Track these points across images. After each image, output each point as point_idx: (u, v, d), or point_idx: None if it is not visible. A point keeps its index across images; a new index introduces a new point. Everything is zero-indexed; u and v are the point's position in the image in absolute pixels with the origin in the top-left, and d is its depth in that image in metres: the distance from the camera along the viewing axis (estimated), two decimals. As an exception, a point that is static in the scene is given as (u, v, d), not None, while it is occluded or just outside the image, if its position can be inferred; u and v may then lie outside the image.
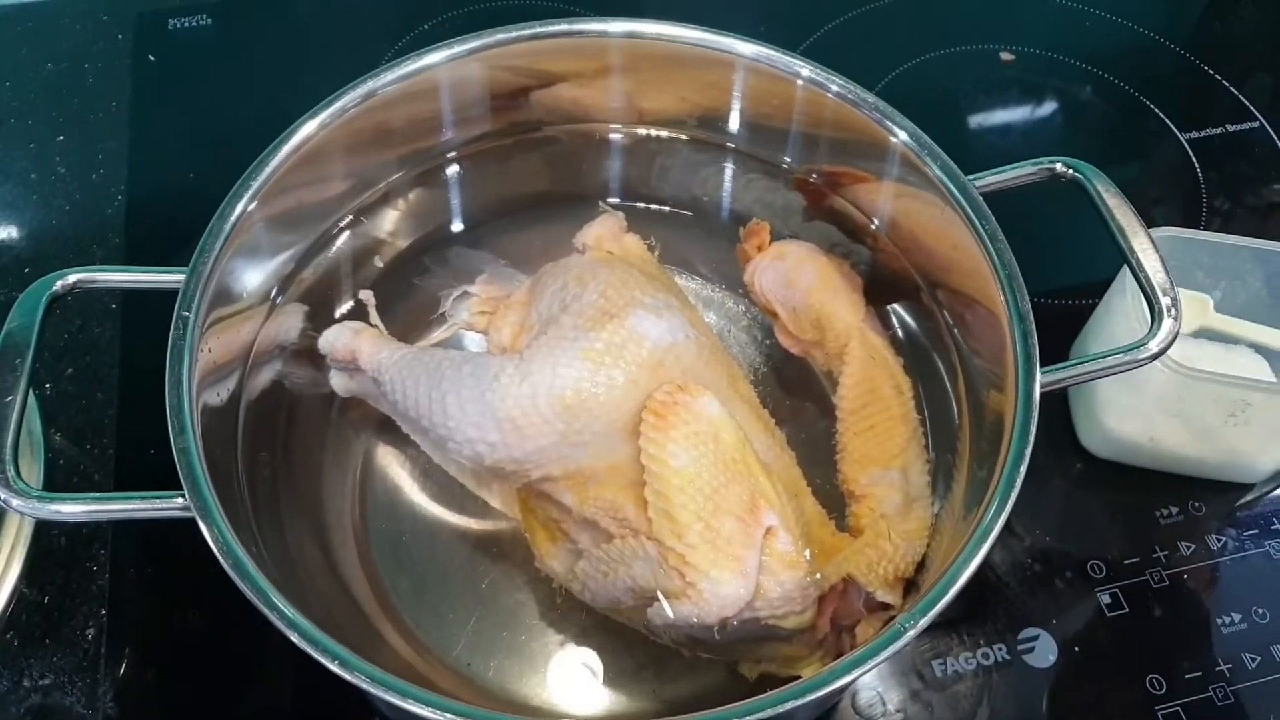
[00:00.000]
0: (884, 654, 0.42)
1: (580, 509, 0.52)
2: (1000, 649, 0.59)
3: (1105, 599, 0.60)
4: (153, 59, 0.85)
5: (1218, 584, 0.62)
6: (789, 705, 0.40)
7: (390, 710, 0.52)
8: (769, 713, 0.40)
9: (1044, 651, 0.59)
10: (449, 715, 0.40)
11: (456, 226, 0.68)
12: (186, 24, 0.88)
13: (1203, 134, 0.83)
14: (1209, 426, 0.61)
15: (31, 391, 0.63)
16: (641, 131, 0.68)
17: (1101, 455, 0.65)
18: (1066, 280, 0.72)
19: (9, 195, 0.77)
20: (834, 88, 0.59)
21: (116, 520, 0.59)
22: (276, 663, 0.57)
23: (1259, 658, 0.59)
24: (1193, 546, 0.63)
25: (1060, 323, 0.68)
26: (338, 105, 0.57)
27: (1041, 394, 0.49)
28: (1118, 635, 0.59)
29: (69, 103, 0.82)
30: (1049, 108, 0.86)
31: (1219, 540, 0.63)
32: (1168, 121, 0.83)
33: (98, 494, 0.58)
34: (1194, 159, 0.81)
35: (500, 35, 0.60)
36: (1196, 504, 0.64)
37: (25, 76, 0.84)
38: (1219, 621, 0.60)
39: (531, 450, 0.51)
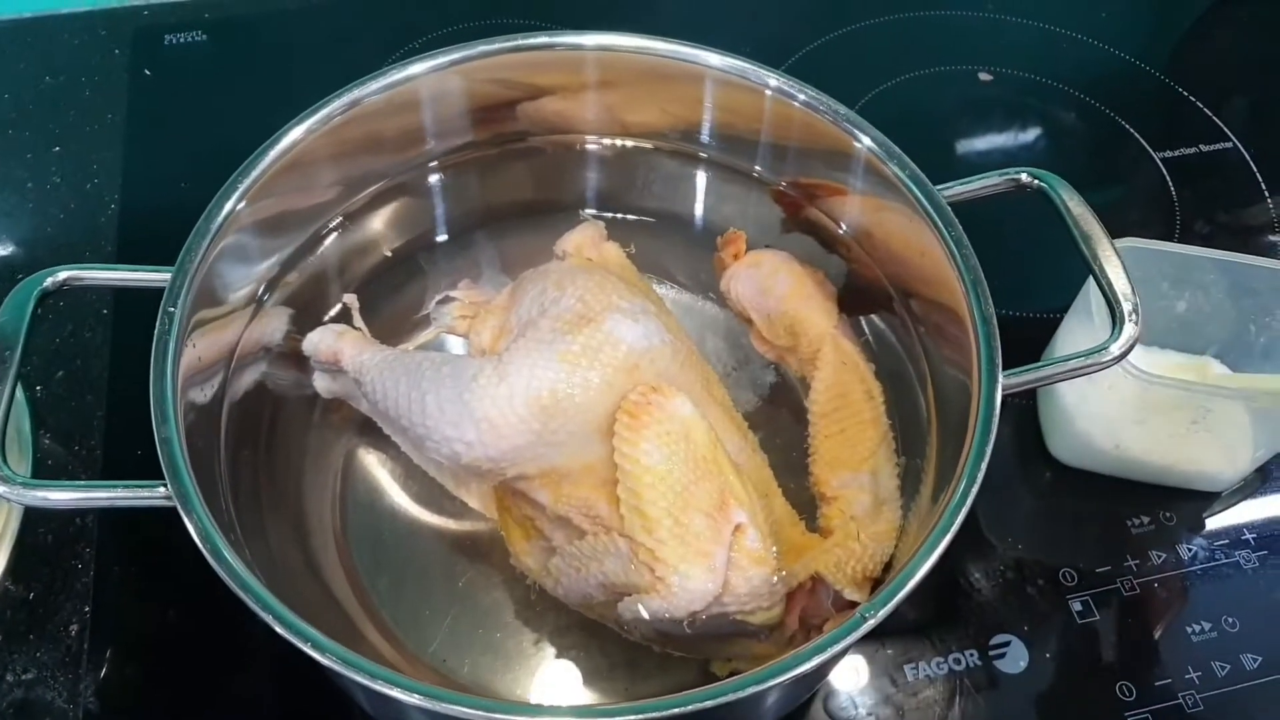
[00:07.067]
0: (845, 642, 0.43)
1: (554, 507, 0.52)
2: (972, 654, 0.59)
3: (1077, 606, 0.61)
4: (149, 73, 0.87)
5: (1188, 593, 0.62)
6: (750, 690, 0.41)
7: (370, 704, 0.53)
8: (730, 698, 0.41)
9: (1015, 657, 0.59)
10: (415, 695, 0.40)
11: (441, 233, 0.69)
12: (182, 40, 0.89)
13: (1177, 154, 0.84)
14: (1173, 433, 0.62)
15: (22, 392, 0.65)
16: (623, 143, 0.69)
17: (1070, 463, 0.66)
18: (1041, 296, 0.73)
19: (5, 203, 0.78)
20: (801, 97, 0.60)
21: (101, 509, 0.61)
22: (258, 661, 0.58)
23: (1228, 666, 0.59)
24: (1164, 555, 0.63)
25: (1034, 336, 0.69)
26: (324, 112, 0.59)
27: (1009, 399, 0.50)
28: (1088, 642, 0.60)
29: (66, 115, 0.84)
30: (1027, 127, 0.87)
31: (1190, 550, 0.63)
32: (1143, 142, 0.84)
33: (82, 482, 0.59)
34: (1169, 179, 0.82)
35: (482, 47, 0.61)
36: (1168, 514, 0.65)
37: (24, 88, 0.85)
38: (1189, 630, 0.60)
39: (507, 449, 0.51)
